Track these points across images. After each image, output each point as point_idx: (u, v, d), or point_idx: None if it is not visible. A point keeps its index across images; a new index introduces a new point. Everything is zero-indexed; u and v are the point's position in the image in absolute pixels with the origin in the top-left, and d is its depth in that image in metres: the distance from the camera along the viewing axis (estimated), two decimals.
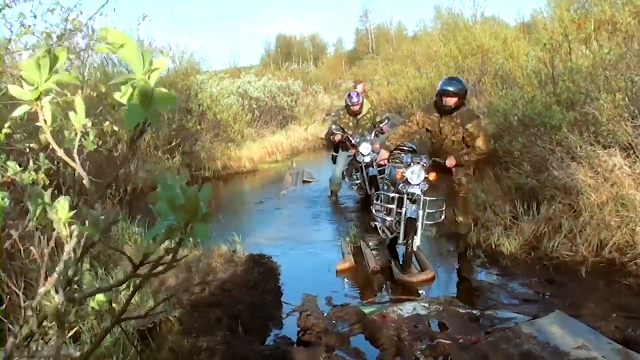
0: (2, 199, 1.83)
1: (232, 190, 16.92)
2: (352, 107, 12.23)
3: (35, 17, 7.37)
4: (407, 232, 7.99)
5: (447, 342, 5.59)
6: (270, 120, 24.86)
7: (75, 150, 1.47)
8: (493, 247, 8.43)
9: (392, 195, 8.61)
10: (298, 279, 8.27)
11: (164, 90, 1.27)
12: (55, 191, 1.80)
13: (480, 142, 7.85)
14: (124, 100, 1.24)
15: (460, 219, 8.57)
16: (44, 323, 3.23)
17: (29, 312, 1.62)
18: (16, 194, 4.05)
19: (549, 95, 9.60)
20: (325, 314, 6.59)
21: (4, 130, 4.12)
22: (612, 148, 7.82)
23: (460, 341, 5.60)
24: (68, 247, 1.47)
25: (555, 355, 5.14)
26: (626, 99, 7.89)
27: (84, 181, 1.40)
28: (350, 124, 12.35)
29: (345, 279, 8.21)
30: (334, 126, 12.42)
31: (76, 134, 1.50)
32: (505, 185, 9.57)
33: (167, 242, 1.25)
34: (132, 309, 6.11)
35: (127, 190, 10.82)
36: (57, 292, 1.51)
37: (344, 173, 13.12)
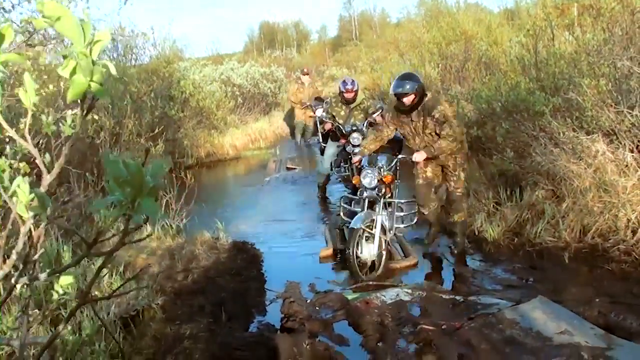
0: None
1: (215, 178, 16.89)
2: (345, 94, 11.31)
3: (13, 7, 7.32)
4: (349, 241, 7.49)
5: (430, 328, 5.59)
6: (253, 107, 24.83)
7: (26, 129, 1.43)
8: (476, 233, 8.44)
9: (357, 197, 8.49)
10: (281, 266, 8.26)
11: (105, 62, 1.24)
12: (35, 178, 1.77)
13: (447, 128, 7.56)
14: (66, 74, 1.21)
15: (456, 218, 8.31)
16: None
17: None
18: None
19: (532, 81, 9.59)
20: (308, 301, 6.58)
21: None
22: (595, 134, 7.83)
23: (443, 327, 5.60)
24: (24, 229, 1.44)
25: (538, 341, 5.16)
26: (609, 84, 7.89)
27: (37, 161, 1.36)
28: (342, 112, 11.51)
29: (329, 266, 8.20)
30: (324, 114, 11.84)
31: (27, 112, 1.46)
32: (488, 172, 9.56)
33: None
34: (114, 297, 6.08)
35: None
36: (20, 275, 1.47)
37: (332, 164, 11.95)
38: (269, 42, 70.98)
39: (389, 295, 6.57)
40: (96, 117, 6.40)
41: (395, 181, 8.68)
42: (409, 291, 6.67)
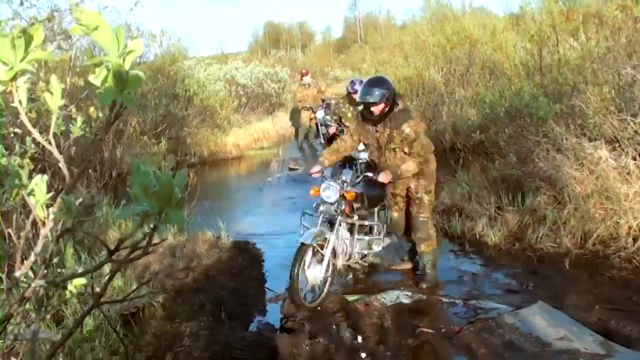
0: None
1: (217, 177, 16.90)
2: (354, 95, 10.32)
3: (22, 3, 7.36)
4: (295, 258, 6.53)
5: (430, 331, 5.61)
6: (257, 107, 24.89)
7: (51, 133, 1.44)
8: (477, 237, 8.42)
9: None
10: (282, 266, 8.25)
11: (138, 72, 1.25)
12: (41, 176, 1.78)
13: (417, 146, 6.70)
14: (97, 83, 1.22)
15: (423, 247, 7.25)
16: (27, 306, 3.21)
17: (3, 296, 1.60)
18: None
19: (536, 87, 9.61)
20: (308, 302, 6.60)
21: None
22: (598, 141, 7.85)
23: (442, 330, 5.63)
24: (44, 231, 1.45)
25: (538, 346, 5.18)
26: (612, 92, 7.91)
27: (60, 164, 1.38)
28: (350, 114, 11.03)
29: None
30: (328, 117, 11.34)
31: (52, 115, 1.47)
32: (490, 176, 9.57)
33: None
34: (116, 294, 6.12)
35: (112, 175, 10.80)
36: (35, 275, 1.49)
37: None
38: (273, 42, 71.07)
39: (389, 298, 6.57)
40: (101, 114, 6.42)
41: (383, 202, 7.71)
42: (409, 294, 6.68)
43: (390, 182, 6.86)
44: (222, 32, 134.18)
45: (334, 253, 6.93)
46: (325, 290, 6.79)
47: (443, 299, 6.56)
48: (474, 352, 5.19)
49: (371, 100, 6.64)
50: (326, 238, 6.75)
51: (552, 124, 8.31)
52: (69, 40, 9.45)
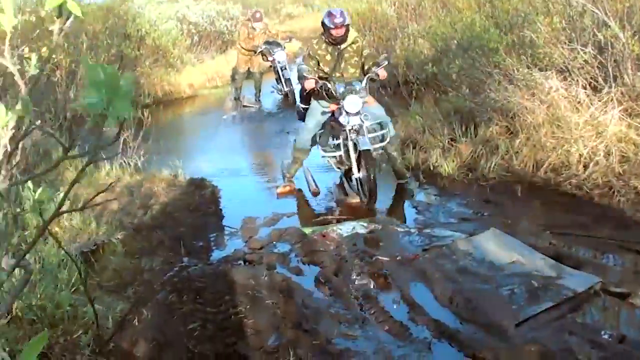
0: None
1: (172, 116, 16.78)
2: (333, 32, 7.64)
3: None
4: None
5: (386, 259, 5.72)
6: (209, 46, 24.62)
7: (7, 48, 1.45)
8: (431, 168, 8.49)
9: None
10: (239, 203, 8.31)
11: None
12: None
13: None
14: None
15: None
16: None
17: None
18: None
19: (487, 18, 9.66)
20: (265, 236, 6.70)
21: None
22: (549, 71, 7.94)
23: (398, 258, 5.73)
24: (4, 140, 1.49)
25: (491, 270, 5.31)
26: (563, 22, 7.99)
27: (15, 78, 1.40)
28: (328, 56, 7.93)
29: (286, 202, 8.26)
30: (303, 66, 7.90)
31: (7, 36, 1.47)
32: (443, 109, 9.65)
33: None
34: (74, 234, 6.17)
35: (67, 117, 10.71)
36: None
37: (317, 138, 8.21)
38: None
39: (345, 229, 6.66)
40: (53, 56, 6.41)
41: None
42: (365, 224, 6.76)
43: None
44: None
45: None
46: None
47: (398, 228, 6.65)
48: (429, 277, 5.31)
49: None
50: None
51: (503, 55, 8.38)
52: None
